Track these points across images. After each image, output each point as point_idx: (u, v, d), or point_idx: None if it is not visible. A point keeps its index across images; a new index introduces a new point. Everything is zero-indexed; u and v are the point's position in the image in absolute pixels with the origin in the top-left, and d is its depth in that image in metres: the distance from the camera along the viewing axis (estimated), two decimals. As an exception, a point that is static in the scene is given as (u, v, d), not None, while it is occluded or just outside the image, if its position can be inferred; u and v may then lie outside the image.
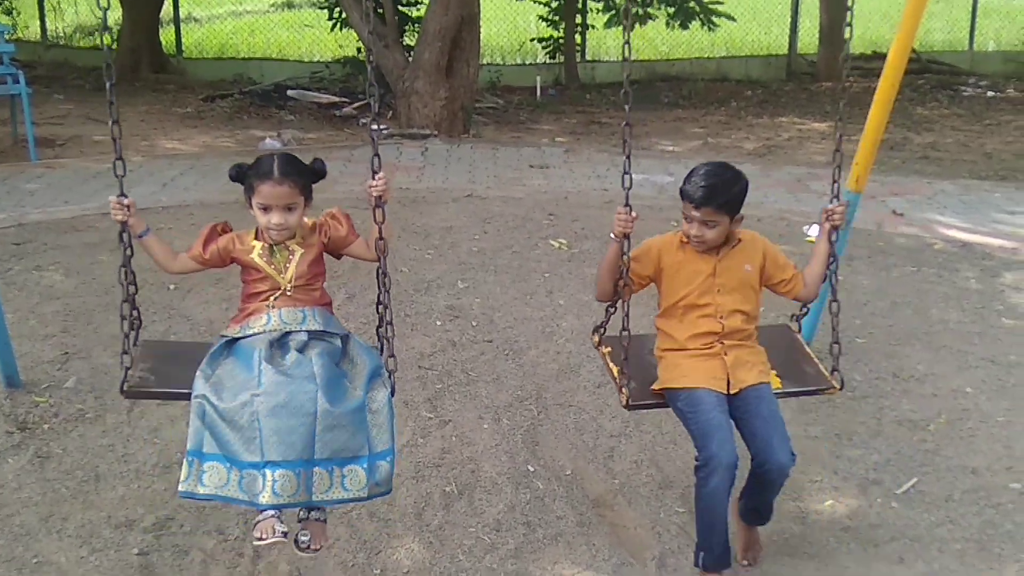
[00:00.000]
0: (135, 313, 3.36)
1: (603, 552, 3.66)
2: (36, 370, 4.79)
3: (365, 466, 3.00)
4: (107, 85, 3.14)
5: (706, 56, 16.29)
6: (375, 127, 3.52)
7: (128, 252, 3.27)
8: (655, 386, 3.54)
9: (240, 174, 3.29)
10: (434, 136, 10.97)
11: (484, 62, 13.89)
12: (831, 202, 3.63)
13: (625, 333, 3.45)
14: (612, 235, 3.43)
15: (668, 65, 16.07)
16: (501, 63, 15.71)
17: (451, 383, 4.90)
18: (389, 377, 3.21)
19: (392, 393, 3.17)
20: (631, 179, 3.38)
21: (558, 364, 5.16)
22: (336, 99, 12.92)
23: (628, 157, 3.36)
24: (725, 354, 3.47)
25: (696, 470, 3.34)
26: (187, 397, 3.06)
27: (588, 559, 3.62)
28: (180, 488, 2.94)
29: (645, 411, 4.58)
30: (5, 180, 8.43)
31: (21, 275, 6.05)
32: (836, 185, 3.66)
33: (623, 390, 3.52)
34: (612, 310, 3.68)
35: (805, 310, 3.92)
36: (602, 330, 3.80)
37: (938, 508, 3.96)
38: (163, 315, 5.48)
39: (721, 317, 3.49)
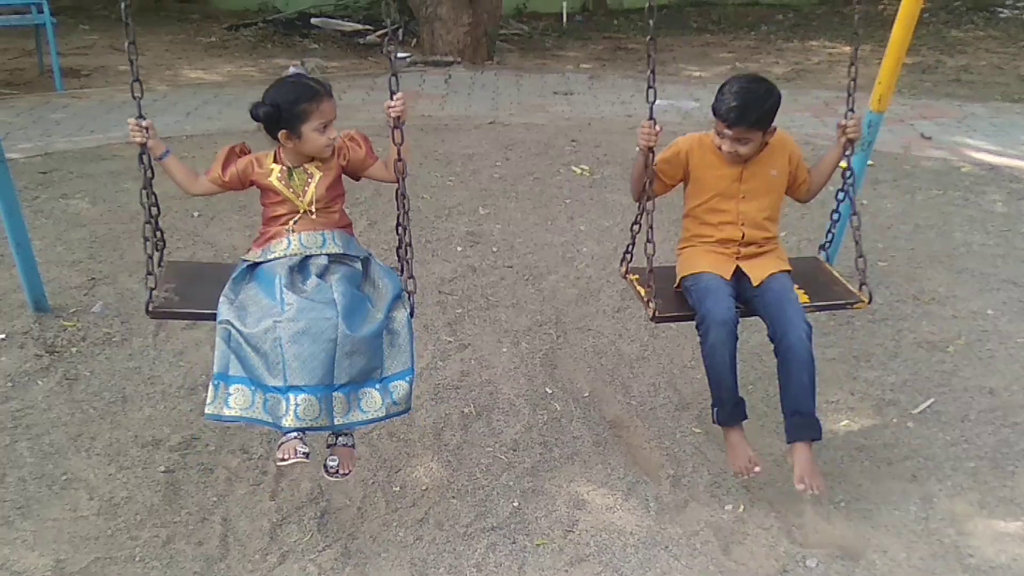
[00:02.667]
0: (159, 234, 3.37)
1: (618, 471, 3.71)
2: (63, 295, 4.88)
3: (378, 387, 3.05)
4: (121, 5, 3.09)
5: (736, -21, 15.99)
6: (402, 55, 3.56)
7: (149, 174, 3.26)
8: (677, 274, 3.61)
9: (277, 107, 3.15)
10: (457, 63, 10.89)
11: (509, -12, 13.73)
12: (846, 116, 3.60)
13: (650, 245, 3.43)
14: (638, 148, 3.46)
15: (697, -11, 15.80)
16: (527, -11, 15.50)
17: (471, 308, 4.94)
18: (409, 299, 3.23)
19: (412, 314, 3.18)
20: (655, 93, 3.33)
21: (577, 289, 5.18)
22: (360, 27, 12.84)
23: (653, 72, 3.31)
24: (739, 258, 3.54)
25: (697, 331, 3.42)
26: (211, 318, 3.10)
27: (603, 477, 3.68)
28: (207, 411, 2.98)
29: (664, 336, 4.63)
30: (32, 110, 8.49)
31: (48, 203, 6.12)
32: (851, 98, 3.62)
33: (650, 303, 3.50)
34: (636, 228, 3.67)
35: (829, 237, 3.93)
36: (628, 257, 3.81)
37: (953, 427, 3.97)
38: (187, 241, 5.54)
39: (743, 224, 3.53)
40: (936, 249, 5.66)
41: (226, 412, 2.97)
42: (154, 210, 3.28)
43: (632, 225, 3.70)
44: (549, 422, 4.02)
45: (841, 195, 3.77)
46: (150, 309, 3.28)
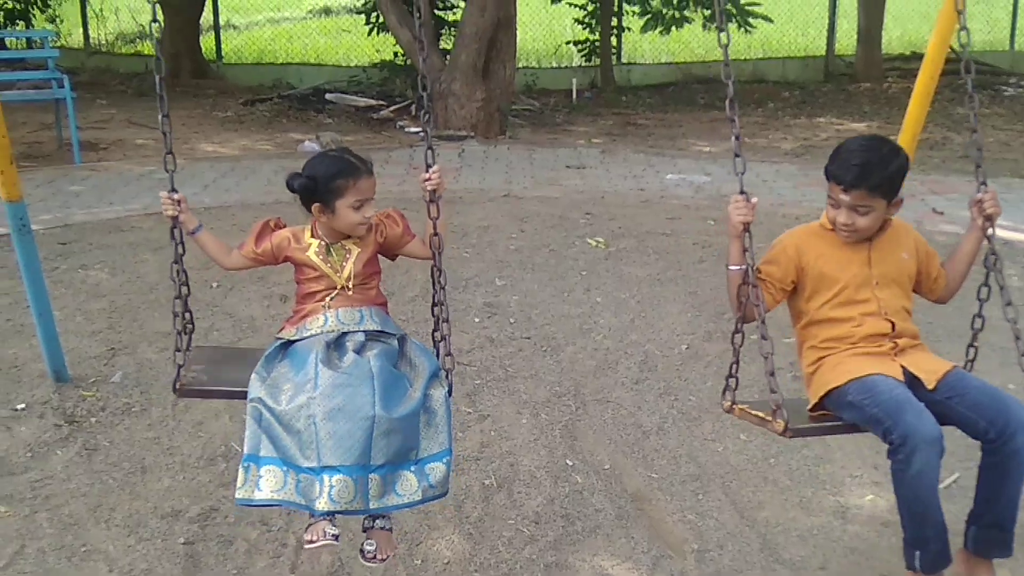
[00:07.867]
0: (188, 316, 3.24)
1: (642, 545, 3.67)
2: (83, 365, 4.89)
3: (413, 469, 2.91)
4: (156, 79, 3.17)
5: (742, 58, 16.15)
6: (415, 129, 3.54)
7: (180, 250, 3.18)
8: (815, 391, 3.02)
9: (314, 180, 3.11)
10: (471, 137, 11.04)
11: (520, 65, 13.94)
12: (978, 190, 3.16)
13: (766, 342, 2.92)
14: (729, 235, 3.01)
15: (704, 67, 15.95)
16: (537, 67, 15.72)
17: (489, 379, 4.94)
18: (446, 377, 3.13)
19: (450, 392, 3.09)
20: (744, 163, 3.03)
21: (596, 360, 5.17)
22: (373, 102, 13.02)
23: (738, 138, 3.03)
24: (896, 353, 3.00)
25: (891, 454, 2.82)
26: (241, 396, 3.00)
27: (627, 551, 3.64)
28: (237, 495, 2.86)
29: (683, 407, 4.61)
30: (51, 182, 8.59)
31: (68, 274, 6.17)
32: (981, 170, 3.21)
33: (778, 413, 2.93)
34: (738, 339, 3.08)
35: (971, 354, 3.45)
36: (733, 382, 3.17)
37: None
38: (206, 312, 5.56)
39: (886, 314, 3.02)
40: (954, 324, 5.63)
41: (257, 496, 2.84)
42: (184, 289, 3.19)
43: (733, 335, 3.09)
44: (571, 495, 3.99)
45: (985, 291, 3.26)
46: (177, 387, 3.15)
